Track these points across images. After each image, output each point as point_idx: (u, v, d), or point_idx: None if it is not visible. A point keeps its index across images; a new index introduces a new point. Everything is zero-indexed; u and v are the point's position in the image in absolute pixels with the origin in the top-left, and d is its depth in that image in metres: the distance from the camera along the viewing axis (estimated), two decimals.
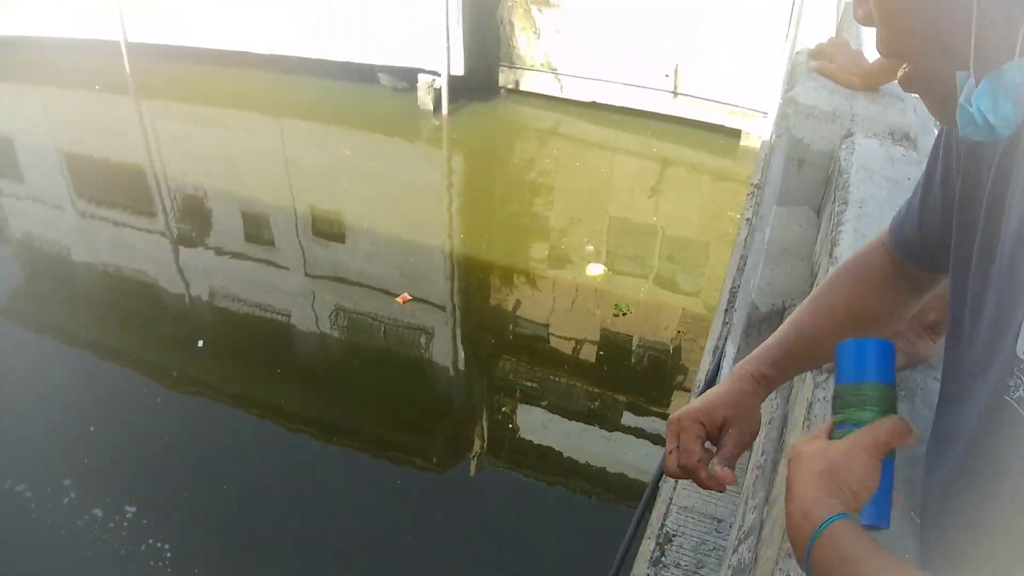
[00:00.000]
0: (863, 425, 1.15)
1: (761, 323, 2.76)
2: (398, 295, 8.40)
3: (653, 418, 7.14)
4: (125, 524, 5.95)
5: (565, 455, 6.87)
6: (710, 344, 4.06)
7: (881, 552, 0.98)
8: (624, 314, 8.19)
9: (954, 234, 1.17)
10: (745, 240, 4.24)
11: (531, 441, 7.03)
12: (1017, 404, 0.89)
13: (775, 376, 1.54)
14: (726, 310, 3.98)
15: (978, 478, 0.88)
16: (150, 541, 5.81)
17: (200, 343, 7.96)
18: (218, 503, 6.25)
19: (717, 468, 1.42)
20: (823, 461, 1.11)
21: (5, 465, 6.51)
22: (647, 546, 2.95)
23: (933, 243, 1.33)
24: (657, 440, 6.79)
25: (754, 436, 1.50)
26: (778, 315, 2.71)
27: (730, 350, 3.01)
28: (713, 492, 2.44)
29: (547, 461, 6.82)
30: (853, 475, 1.09)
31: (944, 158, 1.22)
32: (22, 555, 5.85)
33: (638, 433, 7.05)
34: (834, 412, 1.21)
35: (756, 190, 5.83)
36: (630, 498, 6.28)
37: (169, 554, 5.73)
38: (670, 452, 1.47)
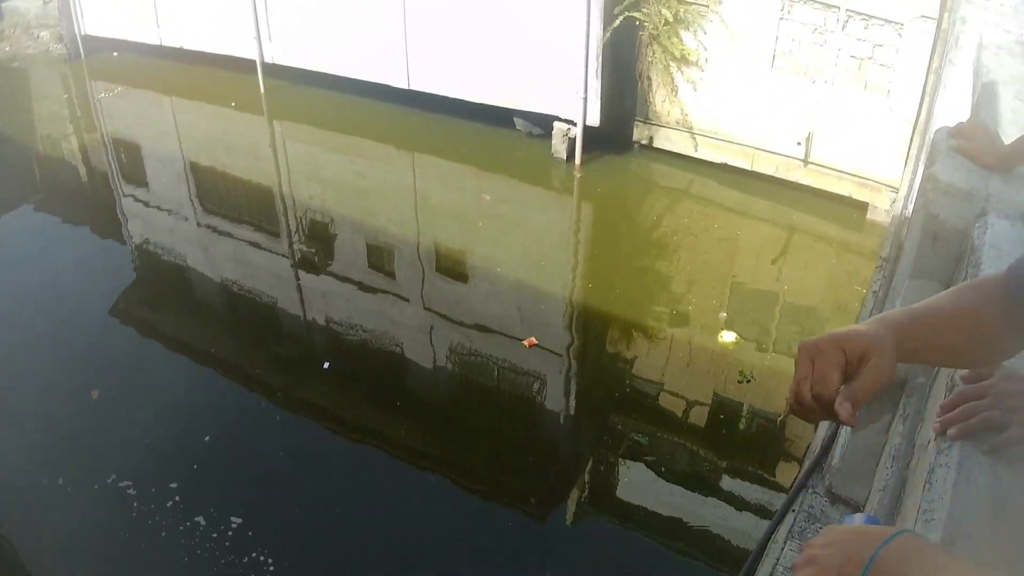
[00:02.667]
0: None
1: (883, 394, 2.78)
2: (523, 339, 8.51)
3: (760, 486, 7.07)
4: (229, 535, 6.08)
5: (669, 514, 6.84)
6: None
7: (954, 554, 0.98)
8: (748, 381, 8.15)
9: None
10: (871, 311, 4.24)
11: (636, 497, 7.02)
12: None
13: (909, 330, 1.49)
14: None
15: None
16: (253, 555, 5.92)
17: (326, 365, 8.12)
18: (323, 525, 6.35)
19: (846, 404, 1.37)
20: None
21: (111, 461, 6.70)
22: None
23: None
24: (763, 510, 6.72)
25: (890, 380, 1.44)
26: (900, 387, 2.72)
27: None
28: None
29: (650, 518, 6.79)
30: None
31: None
32: (118, 552, 5.99)
33: (745, 500, 6.99)
34: None
35: (884, 263, 5.80)
36: (733, 564, 6.22)
37: (272, 568, 5.84)
38: (803, 379, 1.41)
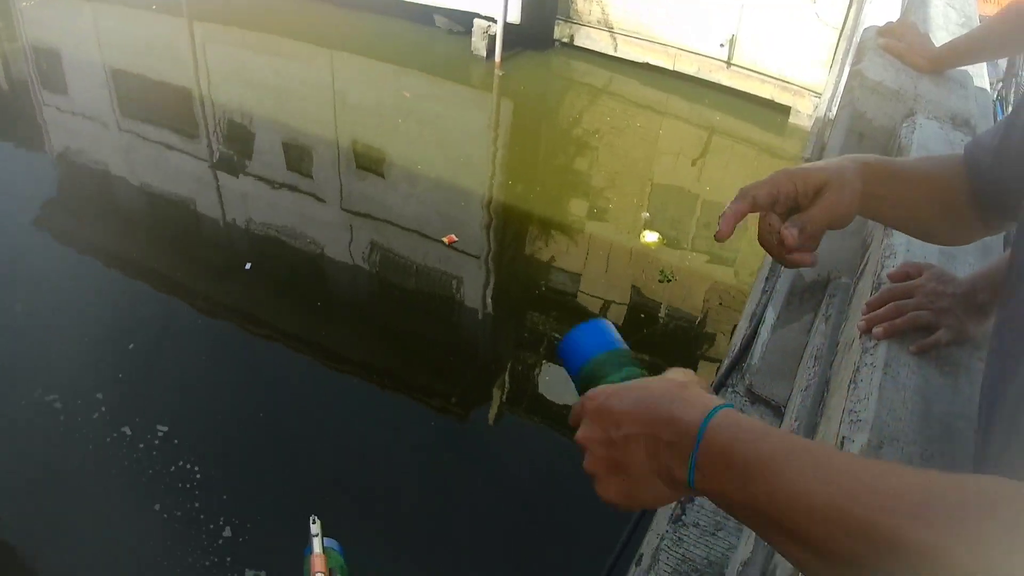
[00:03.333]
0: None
1: (804, 292, 2.77)
2: (442, 237, 8.45)
3: None
4: (156, 443, 6.00)
5: None
6: (748, 310, 4.07)
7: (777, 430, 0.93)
8: (669, 281, 8.18)
9: None
10: None
11: (556, 396, 7.03)
12: None
13: (876, 169, 1.41)
14: (767, 277, 3.98)
15: None
16: (180, 463, 5.86)
17: (248, 266, 8.01)
18: (248, 430, 6.30)
19: (792, 229, 1.30)
20: (674, 383, 1.03)
21: (36, 374, 6.55)
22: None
23: (1002, 180, 1.34)
24: None
25: (847, 216, 1.36)
26: (822, 286, 2.72)
27: (770, 316, 3.02)
28: None
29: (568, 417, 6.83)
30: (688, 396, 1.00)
31: None
32: (46, 464, 5.90)
33: None
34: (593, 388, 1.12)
35: (806, 164, 5.81)
36: None
37: (199, 476, 5.79)
38: (741, 196, 1.34)
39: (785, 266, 1.37)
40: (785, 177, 1.35)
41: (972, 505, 0.73)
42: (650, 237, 8.70)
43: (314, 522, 2.01)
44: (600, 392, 1.07)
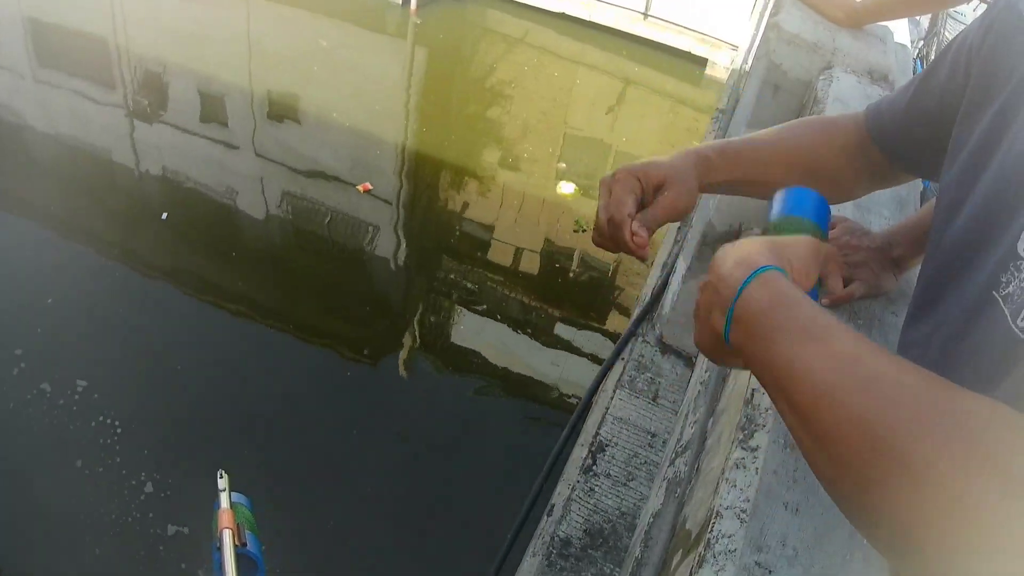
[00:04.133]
0: None
1: (715, 242, 2.78)
2: (356, 185, 8.37)
3: (592, 333, 7.17)
4: (76, 398, 5.90)
5: (501, 362, 6.90)
6: (659, 259, 4.08)
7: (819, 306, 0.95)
8: (584, 231, 8.19)
9: (956, 129, 1.17)
10: None
11: (470, 345, 7.05)
12: (1003, 301, 0.90)
13: (715, 163, 1.50)
14: (679, 227, 3.99)
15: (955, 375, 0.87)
16: (100, 418, 5.77)
17: (164, 215, 7.88)
18: (166, 382, 6.21)
19: (636, 226, 1.38)
20: (766, 240, 1.07)
21: None
22: (579, 452, 2.98)
23: (910, 138, 1.36)
24: (595, 358, 6.83)
25: (687, 211, 1.47)
26: (733, 235, 2.72)
27: (681, 266, 3.03)
28: (649, 406, 2.43)
29: (482, 366, 6.84)
30: (798, 252, 1.06)
31: (955, 57, 1.22)
32: None
33: (576, 347, 7.09)
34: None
35: (721, 115, 5.84)
36: (563, 410, 6.33)
37: (119, 430, 5.70)
38: (602, 208, 1.44)
39: (621, 249, 1.43)
40: (630, 176, 1.45)
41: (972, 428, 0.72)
42: (566, 188, 8.69)
43: (221, 476, 1.97)
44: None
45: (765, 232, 1.22)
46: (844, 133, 1.51)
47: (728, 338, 0.98)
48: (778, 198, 1.26)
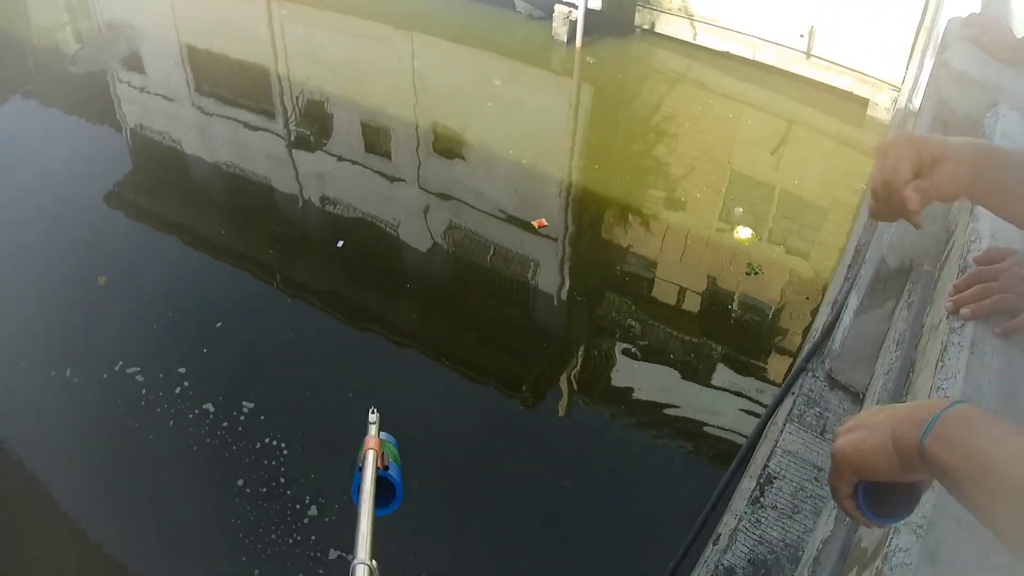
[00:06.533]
0: None
1: (888, 279, 2.80)
2: (533, 220, 8.58)
3: (757, 378, 7.08)
4: (241, 420, 6.09)
5: (662, 403, 6.86)
6: (830, 296, 4.09)
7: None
8: (756, 273, 8.14)
9: None
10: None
11: (630, 386, 7.04)
12: None
13: (994, 163, 1.43)
14: (850, 265, 4.00)
15: None
16: (265, 440, 5.95)
17: (340, 243, 8.16)
18: (333, 408, 6.36)
19: (911, 189, 1.38)
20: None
21: (120, 348, 6.67)
22: (747, 484, 3.03)
23: None
24: (759, 404, 6.75)
25: (963, 191, 1.41)
26: (905, 273, 2.74)
27: (852, 302, 3.05)
28: (817, 440, 2.46)
29: (643, 407, 6.82)
30: None
31: None
32: (127, 439, 5.99)
33: (741, 392, 7.00)
34: None
35: None
36: (720, 451, 6.28)
37: (286, 452, 5.88)
38: (877, 173, 1.44)
39: (908, 221, 1.43)
40: (908, 143, 1.42)
41: None
42: (743, 233, 8.65)
43: (373, 412, 2.03)
44: None
45: None
46: None
47: (924, 441, 1.03)
48: None
